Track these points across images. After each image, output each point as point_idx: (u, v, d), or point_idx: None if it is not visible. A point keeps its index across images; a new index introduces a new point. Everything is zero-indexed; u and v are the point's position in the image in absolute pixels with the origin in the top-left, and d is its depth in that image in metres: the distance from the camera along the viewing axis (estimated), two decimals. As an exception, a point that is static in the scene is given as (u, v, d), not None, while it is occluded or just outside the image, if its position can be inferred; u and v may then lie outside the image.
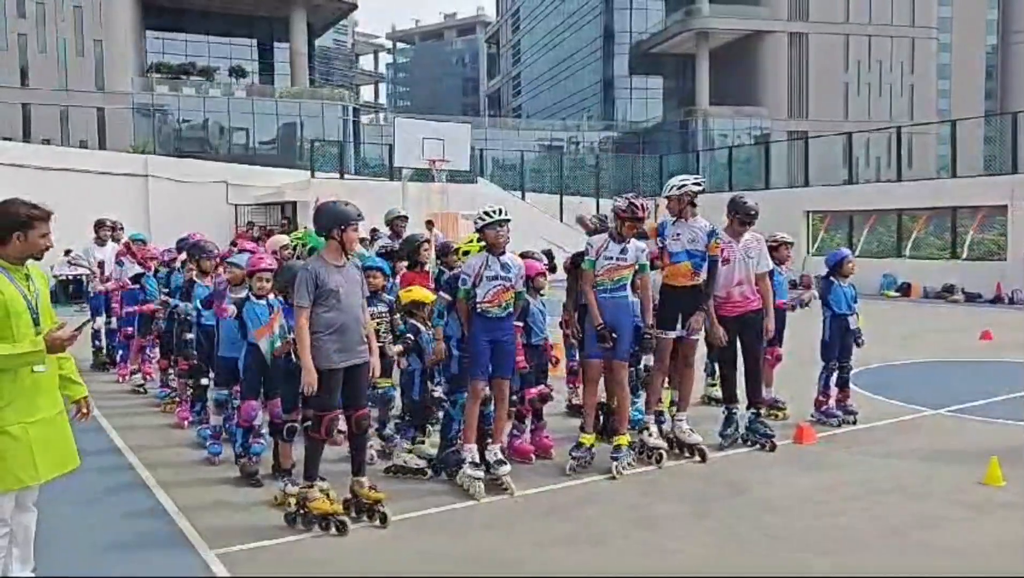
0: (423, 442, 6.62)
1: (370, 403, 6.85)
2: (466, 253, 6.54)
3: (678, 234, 6.76)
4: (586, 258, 6.54)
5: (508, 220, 5.97)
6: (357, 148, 40.73)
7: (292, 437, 5.89)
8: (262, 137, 52.26)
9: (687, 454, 6.81)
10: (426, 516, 5.50)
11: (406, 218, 9.85)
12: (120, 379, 10.54)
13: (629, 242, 6.44)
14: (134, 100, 49.62)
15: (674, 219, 6.86)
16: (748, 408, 7.24)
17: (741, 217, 7.21)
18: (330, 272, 5.24)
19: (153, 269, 9.89)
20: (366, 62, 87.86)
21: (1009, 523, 5.35)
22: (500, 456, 6.08)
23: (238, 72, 55.78)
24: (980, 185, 22.20)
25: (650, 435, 6.72)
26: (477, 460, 5.94)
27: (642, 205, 6.45)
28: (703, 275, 6.77)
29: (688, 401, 7.04)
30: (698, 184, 6.87)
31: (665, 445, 6.74)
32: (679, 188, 6.79)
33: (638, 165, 35.56)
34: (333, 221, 5.29)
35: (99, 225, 11.94)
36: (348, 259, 5.39)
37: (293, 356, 5.59)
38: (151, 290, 9.82)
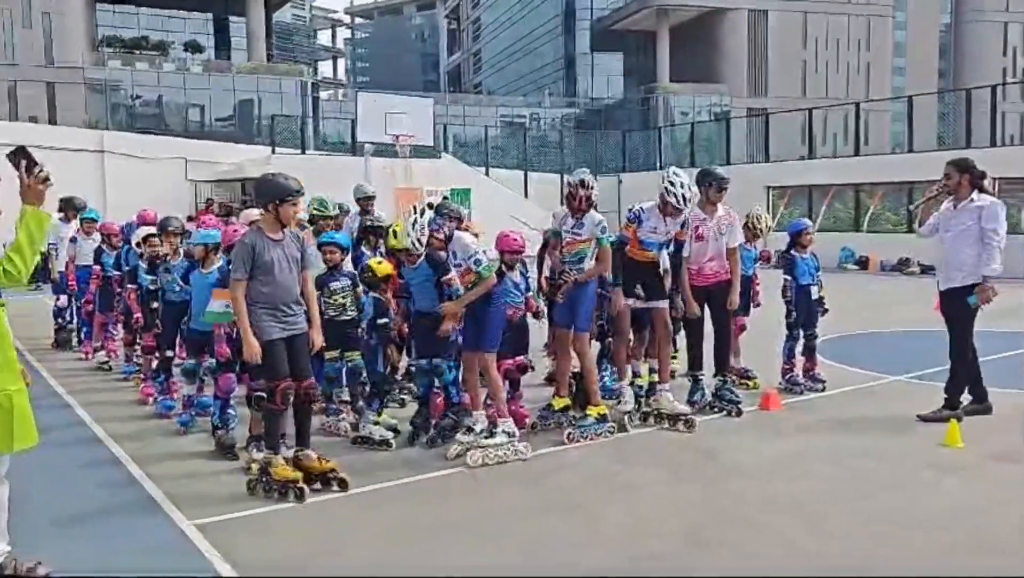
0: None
1: (343, 377, 6.91)
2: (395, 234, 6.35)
3: (655, 228, 6.74)
4: (551, 228, 6.80)
5: None
6: (316, 124, 40.24)
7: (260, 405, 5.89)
8: (219, 113, 51.16)
9: (674, 425, 6.76)
10: (400, 485, 5.53)
11: (373, 198, 9.62)
12: (85, 356, 10.39)
13: (585, 217, 6.50)
14: (85, 75, 48.30)
15: (648, 213, 6.76)
16: (715, 375, 7.36)
17: (717, 184, 7.22)
18: (267, 245, 5.26)
19: (115, 244, 9.70)
20: (324, 37, 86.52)
21: (970, 483, 5.53)
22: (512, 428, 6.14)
23: (194, 47, 54.53)
24: (935, 160, 22.45)
25: (626, 404, 6.81)
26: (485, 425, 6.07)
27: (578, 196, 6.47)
28: (664, 258, 6.88)
29: (667, 371, 7.06)
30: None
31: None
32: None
33: (600, 141, 35.59)
34: (269, 194, 5.29)
35: (66, 203, 11.28)
36: (287, 233, 5.36)
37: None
38: (108, 267, 9.66)
